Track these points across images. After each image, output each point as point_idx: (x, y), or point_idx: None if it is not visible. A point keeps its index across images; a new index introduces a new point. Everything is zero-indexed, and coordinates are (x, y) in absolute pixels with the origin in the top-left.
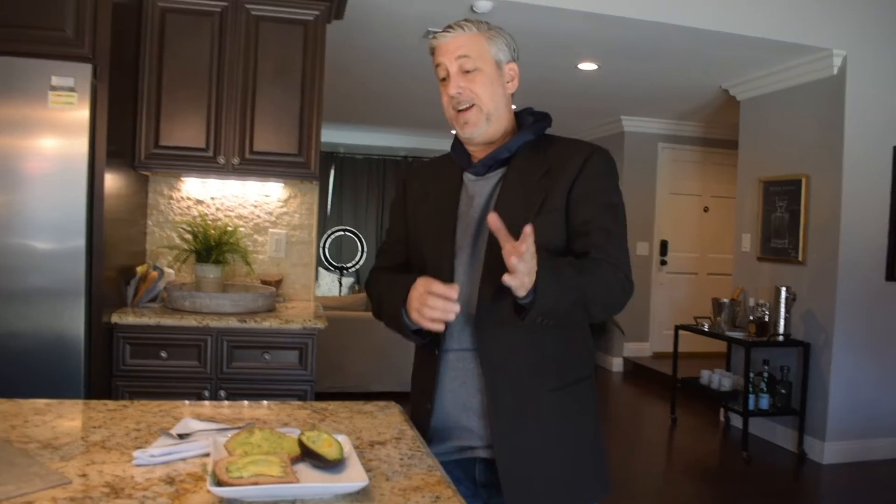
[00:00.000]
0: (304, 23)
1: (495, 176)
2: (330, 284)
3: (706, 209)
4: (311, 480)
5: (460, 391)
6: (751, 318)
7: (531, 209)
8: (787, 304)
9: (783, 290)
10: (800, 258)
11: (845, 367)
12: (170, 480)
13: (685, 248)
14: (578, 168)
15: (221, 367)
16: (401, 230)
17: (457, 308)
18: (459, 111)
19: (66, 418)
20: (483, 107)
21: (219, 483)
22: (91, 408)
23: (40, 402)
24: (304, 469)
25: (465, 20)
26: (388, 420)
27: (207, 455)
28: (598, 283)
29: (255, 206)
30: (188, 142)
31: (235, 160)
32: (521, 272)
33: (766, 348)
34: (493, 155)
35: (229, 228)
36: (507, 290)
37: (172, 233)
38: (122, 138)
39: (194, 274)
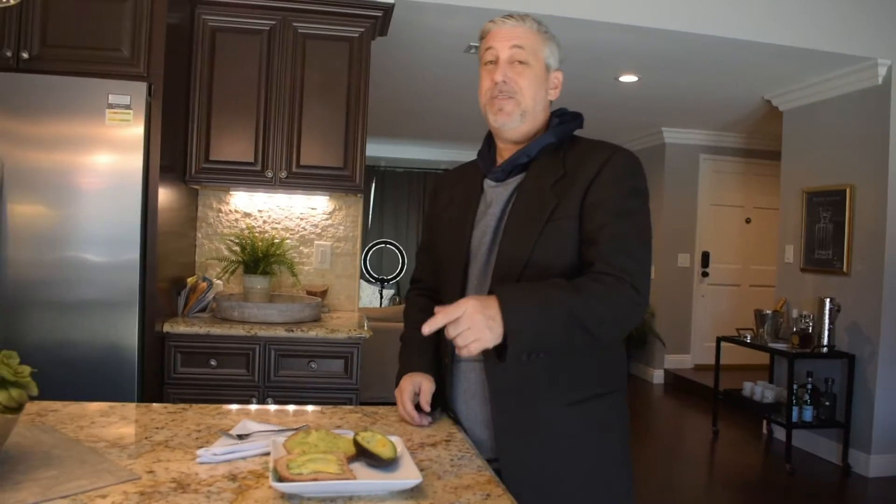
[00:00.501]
0: (350, 39)
1: (514, 182)
2: (371, 296)
3: (748, 220)
4: (367, 478)
5: (472, 402)
6: (794, 329)
7: (541, 217)
8: (831, 316)
9: (827, 301)
10: (844, 269)
11: (891, 378)
12: (232, 477)
13: (727, 260)
14: (594, 173)
15: (269, 375)
16: (428, 237)
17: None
18: (496, 98)
19: (129, 420)
20: (522, 102)
21: (280, 479)
22: (152, 410)
23: (104, 405)
24: (359, 467)
25: (527, 14)
26: (438, 424)
27: (267, 454)
28: (591, 300)
29: (301, 219)
30: (237, 156)
31: (283, 174)
32: (458, 343)
33: (810, 360)
34: (512, 160)
35: (276, 241)
36: None
37: (221, 245)
38: (174, 153)
39: (242, 285)
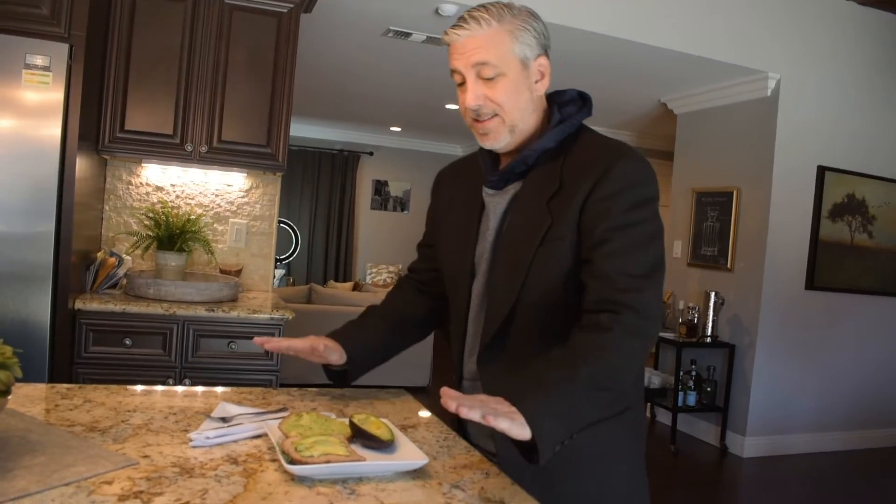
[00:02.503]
0: (279, 15)
1: (512, 190)
2: None
3: None
4: (370, 459)
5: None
6: (680, 320)
7: (534, 238)
8: (715, 308)
9: (712, 294)
10: (728, 265)
11: (766, 367)
12: (233, 461)
13: None
14: (591, 186)
15: (187, 355)
16: (430, 236)
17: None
18: (478, 121)
19: (95, 402)
20: (506, 118)
21: (292, 461)
22: (115, 392)
23: (62, 387)
24: (359, 449)
25: (483, 8)
26: (408, 406)
27: (258, 437)
28: (604, 357)
29: (217, 195)
30: (155, 127)
31: (203, 148)
32: (489, 416)
33: (694, 349)
34: (509, 168)
35: (192, 217)
36: (510, 321)
37: (130, 219)
38: (88, 121)
39: (155, 261)
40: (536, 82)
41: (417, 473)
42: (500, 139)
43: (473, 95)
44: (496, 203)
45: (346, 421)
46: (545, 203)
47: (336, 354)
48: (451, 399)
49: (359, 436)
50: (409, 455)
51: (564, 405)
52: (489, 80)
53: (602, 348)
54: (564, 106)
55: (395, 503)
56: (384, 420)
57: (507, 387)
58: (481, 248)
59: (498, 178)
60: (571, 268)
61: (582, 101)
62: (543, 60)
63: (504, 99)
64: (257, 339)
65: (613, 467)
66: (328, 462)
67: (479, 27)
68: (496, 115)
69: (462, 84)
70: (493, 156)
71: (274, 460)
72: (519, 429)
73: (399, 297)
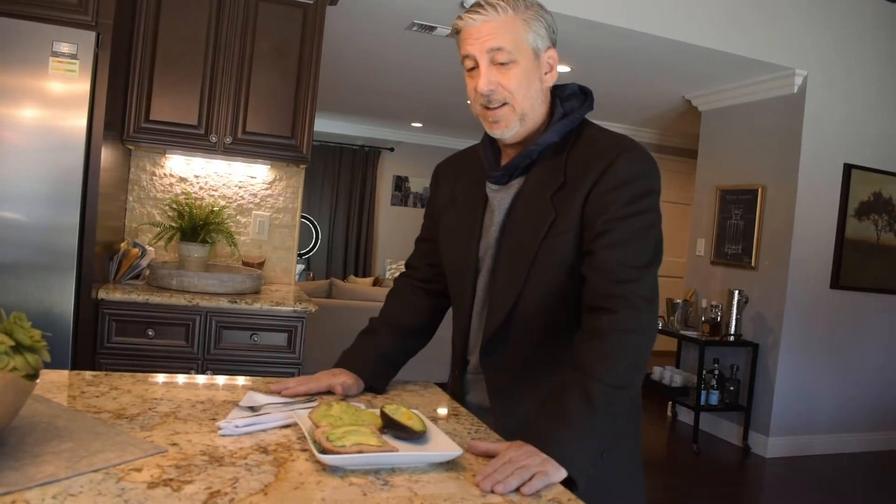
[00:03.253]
0: (305, 6)
1: (516, 185)
2: None
3: None
4: (404, 450)
5: (479, 411)
6: (703, 318)
7: (538, 233)
8: (738, 307)
9: (736, 293)
10: (752, 264)
11: (790, 367)
12: (262, 450)
13: None
14: (594, 180)
15: (209, 347)
16: (431, 230)
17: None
18: (489, 108)
19: (121, 390)
20: (517, 106)
21: (323, 451)
22: (140, 381)
23: (88, 374)
24: (390, 440)
25: None
26: (436, 398)
27: (287, 426)
28: (612, 366)
29: (240, 187)
30: (179, 118)
31: (228, 139)
32: (512, 483)
33: (717, 347)
34: (513, 163)
35: (215, 208)
36: (512, 316)
37: (154, 209)
38: (113, 110)
39: (178, 252)
40: (546, 74)
41: (451, 465)
42: (510, 127)
43: (486, 80)
44: (500, 198)
45: (377, 411)
46: (549, 197)
47: (354, 388)
48: (486, 481)
49: (390, 426)
50: (443, 446)
51: (589, 433)
52: (502, 65)
53: (607, 356)
54: (566, 100)
55: (429, 494)
56: (415, 411)
57: (530, 425)
58: (485, 243)
59: (502, 174)
60: (574, 261)
61: (584, 96)
62: (553, 53)
63: (516, 86)
64: (273, 388)
65: (615, 455)
66: (361, 452)
67: (496, 13)
68: (507, 103)
69: (473, 69)
70: (495, 150)
71: (304, 450)
72: (555, 476)
73: (401, 303)
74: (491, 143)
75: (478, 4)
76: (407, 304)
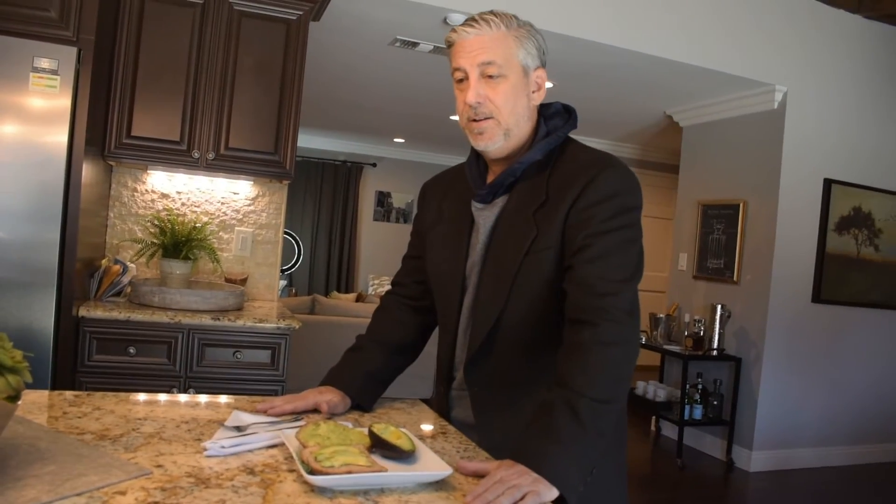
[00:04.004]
0: (288, 21)
1: (500, 203)
2: None
3: None
4: (391, 470)
5: (463, 427)
6: (686, 333)
7: (520, 249)
8: (721, 321)
9: (719, 307)
10: (735, 278)
11: (772, 381)
12: (249, 471)
13: None
14: (576, 195)
15: (192, 365)
16: (415, 248)
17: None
18: (475, 121)
19: (104, 410)
20: (502, 120)
21: (312, 472)
22: (124, 400)
23: (69, 394)
24: (379, 459)
25: (492, 13)
26: (423, 416)
27: (274, 446)
28: (596, 381)
29: (223, 203)
30: (162, 134)
31: (210, 155)
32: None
33: (700, 361)
34: (497, 182)
35: (198, 225)
36: (495, 331)
37: (135, 226)
38: (94, 126)
39: (160, 269)
40: (534, 92)
41: (440, 485)
42: (494, 140)
43: (475, 92)
44: (485, 217)
45: (365, 431)
46: (531, 214)
47: (341, 406)
48: (477, 501)
49: (379, 446)
50: (432, 465)
51: (579, 450)
52: (491, 79)
53: (590, 370)
54: (550, 119)
55: None
56: (403, 430)
57: (518, 443)
58: (471, 261)
59: (486, 192)
60: (556, 277)
61: (567, 114)
62: (542, 73)
63: (502, 101)
64: (259, 407)
65: (608, 461)
66: (350, 472)
67: (489, 28)
68: (492, 117)
69: (462, 81)
70: (480, 169)
71: (292, 470)
72: (547, 495)
73: (388, 320)
74: (477, 161)
75: (472, 19)
76: (394, 321)
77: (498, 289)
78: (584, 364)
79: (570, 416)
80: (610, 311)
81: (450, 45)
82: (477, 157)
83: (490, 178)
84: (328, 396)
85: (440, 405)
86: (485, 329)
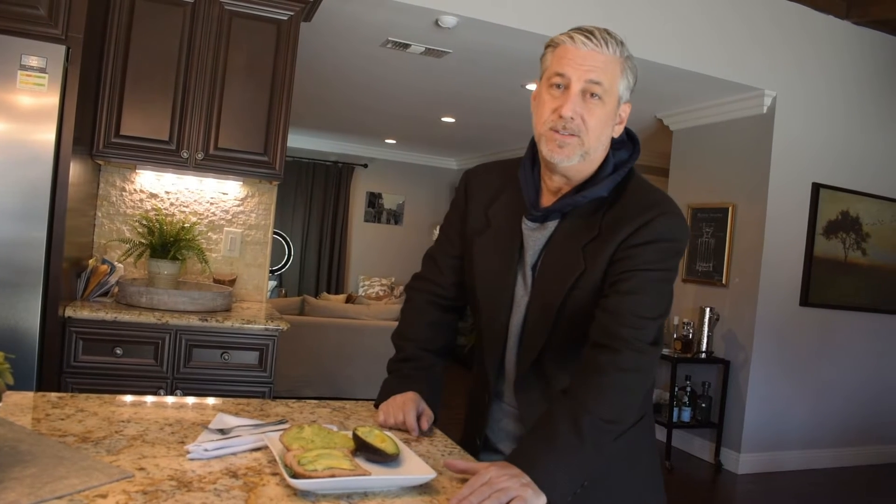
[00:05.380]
0: (278, 22)
1: (551, 226)
2: None
3: None
4: (375, 474)
5: (515, 440)
6: (675, 335)
7: (566, 282)
8: (710, 324)
9: (707, 310)
10: (723, 281)
11: (761, 384)
12: (232, 474)
13: None
14: (628, 234)
15: (179, 366)
16: (455, 247)
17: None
18: (559, 132)
19: (87, 412)
20: (586, 141)
21: (295, 475)
22: (108, 402)
23: (53, 396)
24: (363, 463)
25: (609, 34)
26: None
27: (257, 449)
28: (605, 401)
29: (211, 203)
30: (150, 133)
31: (199, 155)
32: None
33: (689, 364)
34: (555, 208)
35: (186, 225)
36: (543, 353)
37: (123, 226)
38: (83, 125)
39: (147, 269)
40: (617, 124)
41: (424, 488)
42: (571, 158)
43: (572, 107)
44: (535, 238)
45: (350, 434)
46: (581, 248)
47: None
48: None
49: (363, 449)
50: (416, 469)
51: (574, 462)
52: (592, 98)
53: (602, 391)
54: (617, 149)
55: None
56: (388, 433)
57: (517, 447)
58: (520, 283)
59: (542, 215)
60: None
61: (632, 144)
62: (627, 108)
63: (594, 124)
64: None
65: (636, 476)
66: (333, 476)
67: (607, 48)
68: (578, 135)
69: (559, 88)
70: (535, 178)
71: (275, 474)
72: (534, 501)
73: (427, 322)
74: (532, 164)
75: (591, 32)
76: (432, 323)
77: (543, 319)
78: (598, 384)
79: (571, 428)
80: (633, 342)
81: (554, 46)
82: (532, 165)
83: (544, 192)
84: (421, 411)
85: (479, 414)
86: (532, 355)
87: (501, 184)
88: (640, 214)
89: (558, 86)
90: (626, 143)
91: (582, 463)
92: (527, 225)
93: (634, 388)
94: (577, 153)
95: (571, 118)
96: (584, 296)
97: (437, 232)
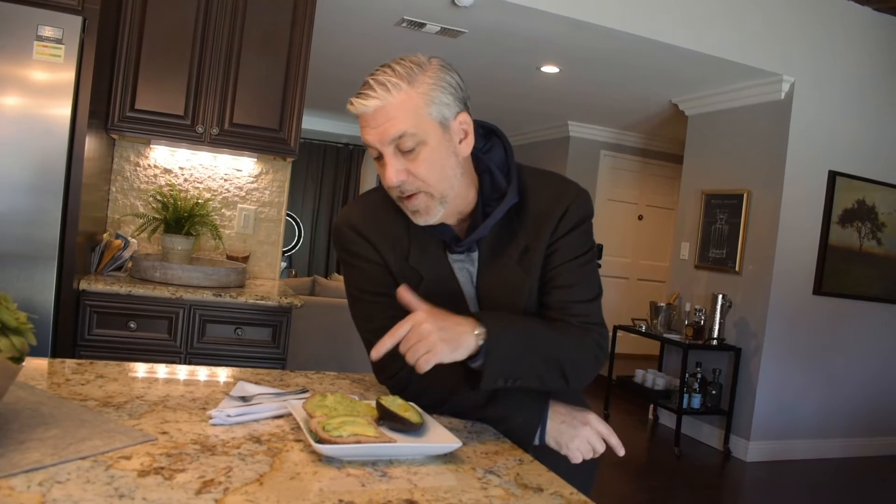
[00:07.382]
0: None
1: (475, 252)
2: None
3: (640, 217)
4: (401, 442)
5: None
6: (686, 322)
7: (518, 299)
8: (722, 311)
9: (720, 297)
10: (736, 268)
11: (772, 371)
12: (256, 440)
13: (618, 254)
14: (552, 230)
15: (192, 341)
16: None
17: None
18: (402, 199)
19: (107, 378)
20: (434, 192)
21: (320, 441)
22: (128, 369)
23: (71, 362)
24: (387, 431)
25: (389, 71)
26: None
27: (280, 417)
28: (569, 344)
29: (225, 180)
30: (165, 108)
31: (214, 130)
32: (409, 360)
33: (700, 351)
34: (473, 238)
35: (200, 201)
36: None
37: (136, 201)
38: (98, 98)
39: (161, 245)
40: (460, 142)
41: (449, 458)
42: (433, 214)
43: (394, 172)
44: (466, 269)
45: (372, 403)
46: (516, 263)
47: None
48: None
49: (387, 417)
50: (441, 438)
51: (526, 347)
52: (409, 151)
53: (574, 341)
54: (486, 151)
55: (429, 487)
56: (411, 403)
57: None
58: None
59: (468, 243)
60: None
61: (497, 138)
62: (464, 117)
63: (427, 173)
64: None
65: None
66: (358, 443)
67: (389, 94)
68: (420, 192)
69: (378, 159)
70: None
71: (299, 440)
72: (447, 356)
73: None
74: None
75: (368, 86)
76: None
77: None
78: (574, 333)
79: (543, 324)
80: (583, 326)
81: (354, 115)
82: None
83: (457, 227)
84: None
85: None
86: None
87: (397, 226)
88: (555, 205)
89: (377, 158)
90: (491, 140)
91: (530, 352)
92: (453, 258)
93: (592, 366)
94: (434, 207)
95: (402, 181)
96: (534, 298)
97: None
